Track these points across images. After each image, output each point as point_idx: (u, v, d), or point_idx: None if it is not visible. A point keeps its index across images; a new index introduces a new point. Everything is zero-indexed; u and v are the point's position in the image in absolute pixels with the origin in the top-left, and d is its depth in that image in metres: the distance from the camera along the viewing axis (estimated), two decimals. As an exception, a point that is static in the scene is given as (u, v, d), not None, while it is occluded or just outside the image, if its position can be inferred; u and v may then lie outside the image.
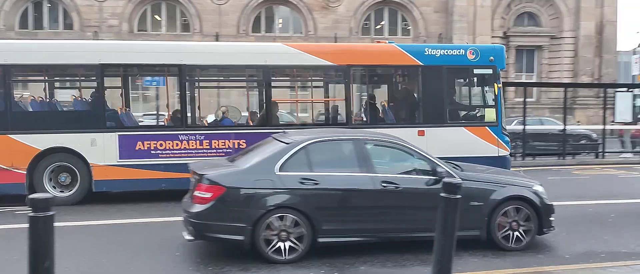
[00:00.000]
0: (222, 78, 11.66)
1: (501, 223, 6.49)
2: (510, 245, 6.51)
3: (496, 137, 10.62)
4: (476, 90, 11.36)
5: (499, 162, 10.03)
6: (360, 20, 29.25)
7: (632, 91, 18.69)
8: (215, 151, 9.77)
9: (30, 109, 9.95)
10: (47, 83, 10.66)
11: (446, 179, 4.83)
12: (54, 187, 9.45)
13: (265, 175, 6.07)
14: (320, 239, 6.08)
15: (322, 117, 11.42)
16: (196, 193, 6.06)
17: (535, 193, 6.70)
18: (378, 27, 30.05)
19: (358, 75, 10.98)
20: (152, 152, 9.65)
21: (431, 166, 6.47)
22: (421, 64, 10.56)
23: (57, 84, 11.33)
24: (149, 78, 11.15)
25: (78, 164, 9.44)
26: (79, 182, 9.47)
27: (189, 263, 6.16)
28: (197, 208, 5.99)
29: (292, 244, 5.97)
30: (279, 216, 5.96)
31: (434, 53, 10.70)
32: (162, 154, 9.68)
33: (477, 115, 11.28)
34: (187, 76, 9.96)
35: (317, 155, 6.38)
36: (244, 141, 9.81)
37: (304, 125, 11.08)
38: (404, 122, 10.78)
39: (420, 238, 6.28)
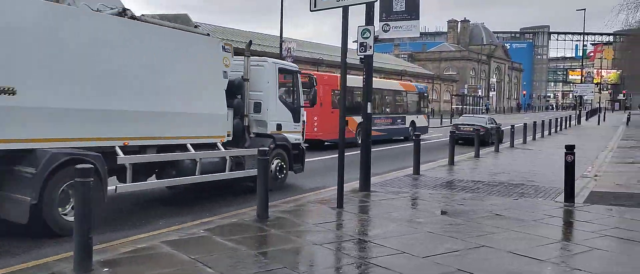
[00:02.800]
0: (383, 94, 26.30)
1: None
2: None
3: (428, 118, 30.60)
4: (424, 101, 29.99)
5: (426, 129, 28.66)
6: None
7: None
8: (382, 124, 24.75)
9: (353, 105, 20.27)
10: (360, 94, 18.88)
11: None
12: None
13: (486, 124, 24.41)
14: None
15: (398, 110, 26.98)
16: (473, 129, 20.51)
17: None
18: None
19: (408, 95, 28.09)
20: (376, 123, 22.44)
21: (492, 121, 25.20)
22: (418, 91, 29.05)
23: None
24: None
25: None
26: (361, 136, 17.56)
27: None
28: (478, 131, 19.50)
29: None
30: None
31: (421, 87, 30.09)
32: (377, 124, 23.02)
33: (425, 109, 29.99)
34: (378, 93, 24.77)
35: (491, 121, 25.63)
36: (390, 120, 25.69)
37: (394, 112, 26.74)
38: (415, 113, 27.97)
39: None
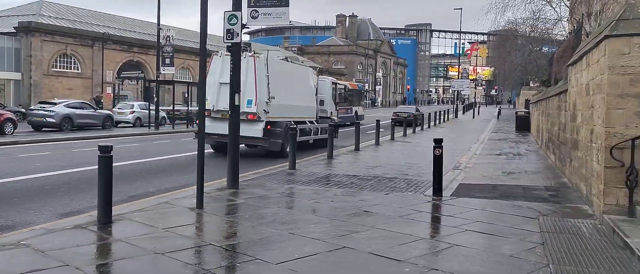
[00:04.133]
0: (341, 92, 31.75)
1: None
2: None
3: (363, 108, 40.90)
4: (361, 96, 43.14)
5: (363, 116, 37.43)
6: None
7: None
8: (341, 113, 28.88)
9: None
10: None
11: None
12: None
13: (415, 112, 34.89)
14: None
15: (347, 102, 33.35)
16: (407, 115, 33.46)
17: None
18: None
19: (353, 92, 36.21)
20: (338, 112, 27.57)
21: (418, 110, 37.10)
22: (358, 89, 40.49)
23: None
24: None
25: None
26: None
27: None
28: (408, 117, 31.69)
29: None
30: None
31: (360, 85, 46.76)
32: (340, 111, 28.54)
33: (362, 102, 42.98)
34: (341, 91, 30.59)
35: (417, 110, 38.04)
36: (345, 110, 32.49)
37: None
38: (357, 105, 37.49)
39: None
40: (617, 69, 7.27)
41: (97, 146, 6.88)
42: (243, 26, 9.38)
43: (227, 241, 6.24)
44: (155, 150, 17.23)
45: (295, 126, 14.82)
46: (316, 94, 19.72)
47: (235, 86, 9.52)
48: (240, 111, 13.21)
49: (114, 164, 6.91)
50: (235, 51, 9.52)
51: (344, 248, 5.93)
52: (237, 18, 9.22)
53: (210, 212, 7.68)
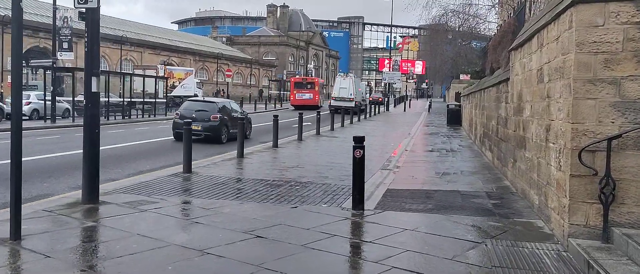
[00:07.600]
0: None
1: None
2: None
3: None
4: (320, 87, 57.55)
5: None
6: None
7: None
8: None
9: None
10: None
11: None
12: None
13: (379, 96, 60.17)
14: None
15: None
16: (374, 99, 54.73)
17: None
18: None
19: (315, 85, 51.37)
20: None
21: (365, 100, 49.95)
22: (321, 83, 59.45)
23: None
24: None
25: None
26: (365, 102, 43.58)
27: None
28: (376, 99, 53.67)
29: None
30: None
31: (321, 82, 64.52)
32: None
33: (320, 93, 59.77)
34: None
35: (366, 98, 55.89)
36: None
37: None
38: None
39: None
40: (588, 46, 5.52)
41: None
42: (102, -14, 7.01)
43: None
44: (33, 148, 14.34)
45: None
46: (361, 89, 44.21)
47: (90, 64, 7.10)
48: (346, 97, 39.82)
49: None
50: (92, 20, 7.10)
51: (203, 314, 3.79)
52: (92, -25, 6.85)
53: (29, 247, 5.26)
